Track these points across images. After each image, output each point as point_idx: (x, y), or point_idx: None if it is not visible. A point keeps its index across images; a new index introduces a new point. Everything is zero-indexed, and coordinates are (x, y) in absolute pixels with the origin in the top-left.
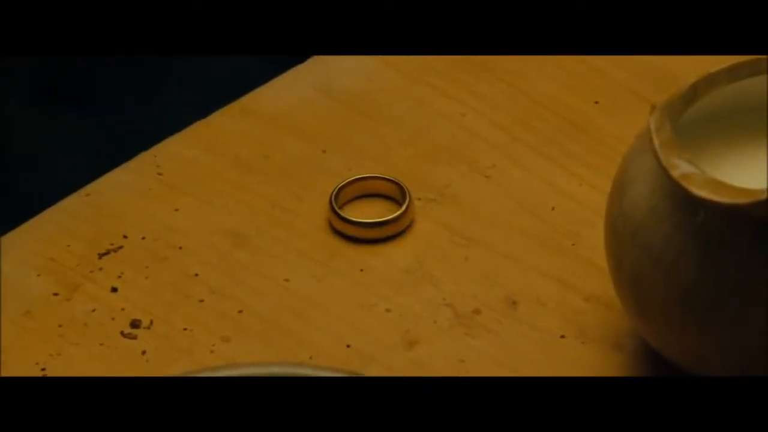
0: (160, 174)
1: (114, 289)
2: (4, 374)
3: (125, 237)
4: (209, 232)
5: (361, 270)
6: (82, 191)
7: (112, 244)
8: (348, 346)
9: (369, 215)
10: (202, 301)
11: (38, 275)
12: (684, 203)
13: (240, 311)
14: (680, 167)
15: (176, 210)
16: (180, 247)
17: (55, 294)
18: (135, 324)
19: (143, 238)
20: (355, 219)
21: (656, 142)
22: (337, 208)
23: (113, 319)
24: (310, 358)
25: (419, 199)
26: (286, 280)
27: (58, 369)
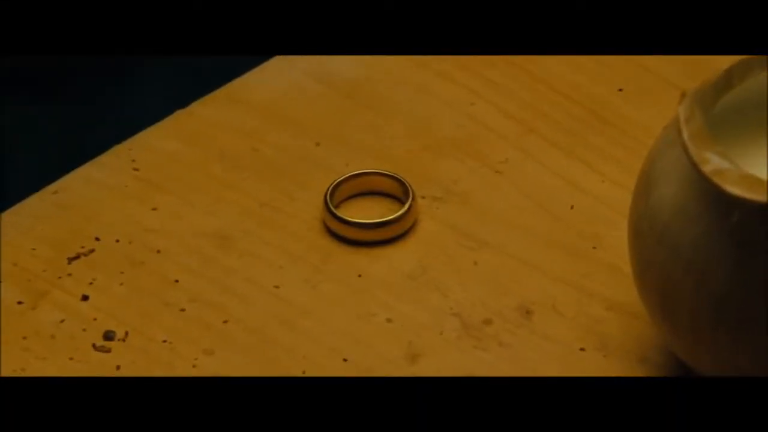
0: (136, 169)
1: (85, 297)
2: None
3: (97, 239)
4: (191, 234)
5: (360, 275)
6: (49, 189)
7: (82, 248)
8: (345, 360)
9: (368, 215)
10: (183, 310)
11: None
12: (716, 202)
13: (225, 321)
14: (712, 162)
15: (154, 209)
16: (158, 251)
17: (20, 303)
18: (108, 336)
19: (117, 240)
20: (352, 219)
21: (685, 134)
22: (332, 208)
23: (84, 330)
24: (303, 373)
25: (423, 197)
26: (276, 286)
27: None
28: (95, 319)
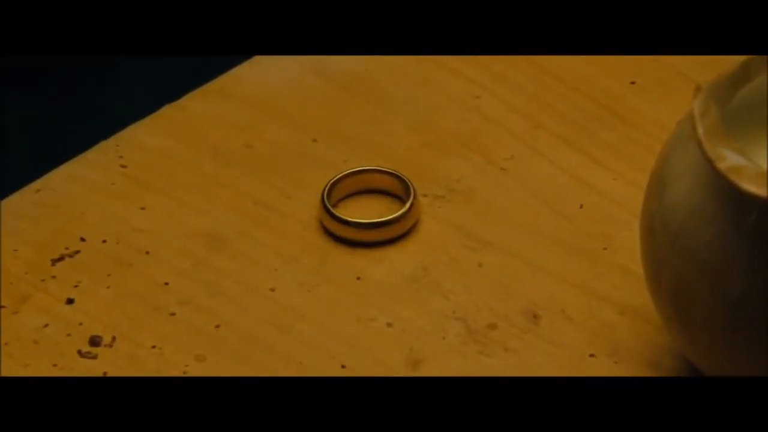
0: (123, 166)
1: (70, 301)
2: None
3: (83, 240)
4: (181, 235)
5: (358, 278)
6: (32, 187)
7: (67, 249)
8: (343, 366)
9: (367, 214)
10: (173, 314)
11: None
12: (732, 200)
13: (217, 326)
14: (728, 159)
15: (142, 209)
16: (147, 252)
17: (1, 307)
18: (94, 341)
19: (104, 241)
20: (351, 219)
21: (700, 130)
22: (330, 207)
23: (69, 335)
24: None
25: (425, 195)
26: (271, 289)
27: None
28: (81, 324)
